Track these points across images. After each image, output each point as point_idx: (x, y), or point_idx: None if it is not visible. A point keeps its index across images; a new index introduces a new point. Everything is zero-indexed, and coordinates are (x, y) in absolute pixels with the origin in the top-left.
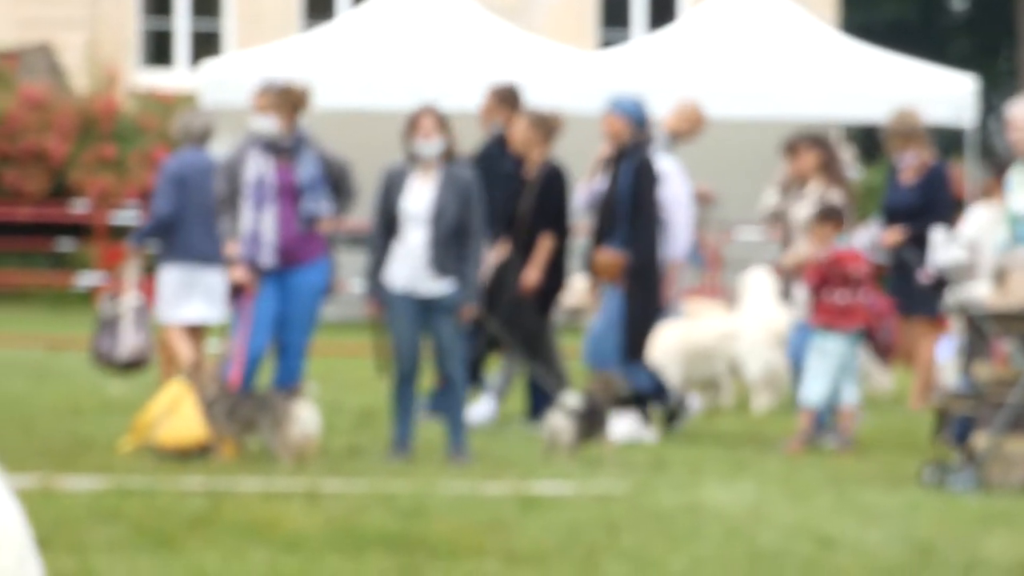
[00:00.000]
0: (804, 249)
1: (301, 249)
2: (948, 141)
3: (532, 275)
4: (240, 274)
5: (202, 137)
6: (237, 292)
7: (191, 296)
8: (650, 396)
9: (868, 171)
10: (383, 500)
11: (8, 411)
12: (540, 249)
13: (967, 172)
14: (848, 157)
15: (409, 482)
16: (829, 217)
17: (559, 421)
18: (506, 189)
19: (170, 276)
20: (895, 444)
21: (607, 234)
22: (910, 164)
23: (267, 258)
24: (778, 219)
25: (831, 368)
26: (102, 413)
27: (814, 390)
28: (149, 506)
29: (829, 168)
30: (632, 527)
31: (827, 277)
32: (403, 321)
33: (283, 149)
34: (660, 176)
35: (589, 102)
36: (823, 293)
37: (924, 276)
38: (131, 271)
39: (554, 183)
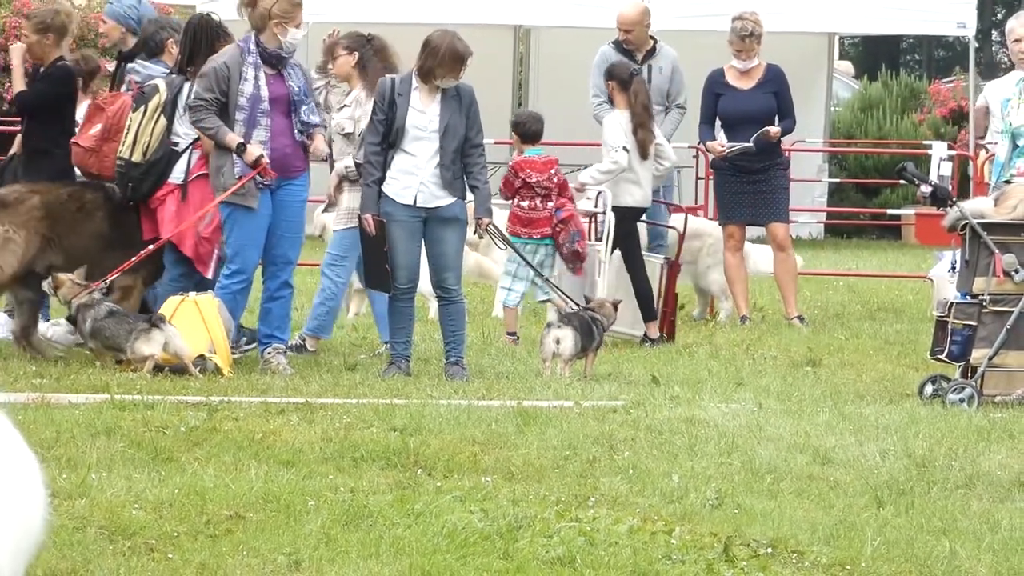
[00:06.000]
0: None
1: (292, 162)
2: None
3: None
4: (254, 150)
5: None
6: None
7: None
8: None
9: (867, 85)
10: (380, 416)
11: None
12: None
13: (968, 84)
14: (845, 70)
15: (406, 398)
16: (516, 128)
17: (564, 332)
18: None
19: None
20: (894, 359)
21: None
22: (752, 67)
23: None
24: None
25: (522, 273)
26: None
27: (508, 293)
28: (146, 421)
29: (367, 70)
30: (630, 442)
31: (512, 185)
32: (405, 235)
33: (274, 61)
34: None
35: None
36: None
37: (926, 189)
38: None
39: (57, 80)
